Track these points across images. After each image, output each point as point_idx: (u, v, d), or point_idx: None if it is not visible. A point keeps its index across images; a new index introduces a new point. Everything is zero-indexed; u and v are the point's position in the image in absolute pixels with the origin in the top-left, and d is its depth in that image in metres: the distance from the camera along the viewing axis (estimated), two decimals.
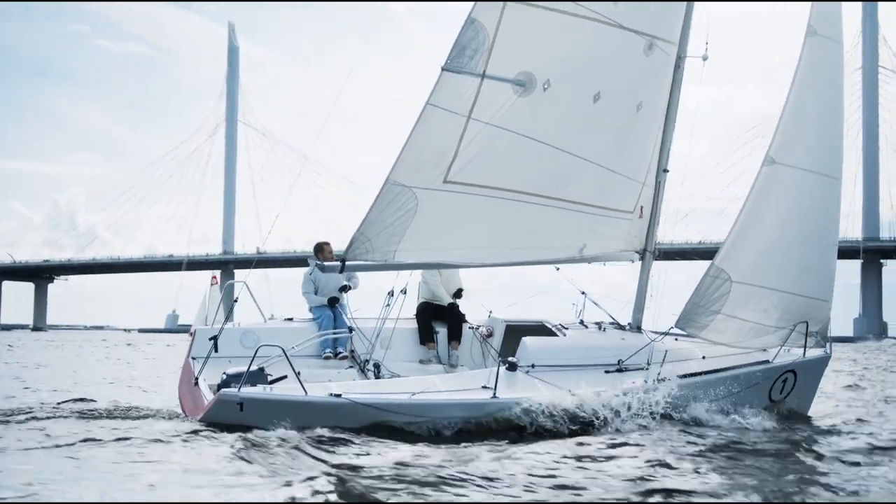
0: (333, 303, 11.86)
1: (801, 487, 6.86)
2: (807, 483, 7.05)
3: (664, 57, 11.05)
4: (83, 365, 21.58)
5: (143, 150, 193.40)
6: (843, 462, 8.21)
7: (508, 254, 10.79)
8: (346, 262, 10.00)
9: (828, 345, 12.65)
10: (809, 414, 12.33)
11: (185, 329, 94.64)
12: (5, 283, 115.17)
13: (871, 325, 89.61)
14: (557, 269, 11.78)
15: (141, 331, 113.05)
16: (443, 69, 9.70)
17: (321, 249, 11.97)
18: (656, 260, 12.19)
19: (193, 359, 10.99)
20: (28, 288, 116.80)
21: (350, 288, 11.96)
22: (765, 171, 11.99)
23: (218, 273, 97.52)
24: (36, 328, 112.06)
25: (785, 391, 12.09)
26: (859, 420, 11.95)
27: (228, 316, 11.69)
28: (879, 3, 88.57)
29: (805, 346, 12.14)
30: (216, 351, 10.78)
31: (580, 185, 10.90)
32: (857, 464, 8.10)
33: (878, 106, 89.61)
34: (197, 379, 10.45)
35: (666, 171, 11.87)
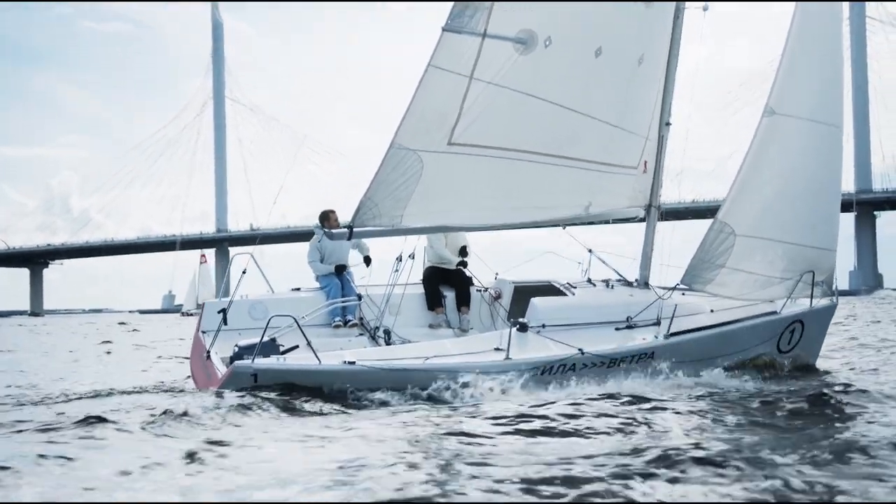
0: (340, 270, 11.80)
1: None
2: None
3: (664, 8, 10.97)
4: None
5: (133, 130, 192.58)
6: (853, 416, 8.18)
7: (515, 214, 10.76)
8: (354, 229, 9.97)
9: (834, 294, 12.66)
10: (817, 365, 12.38)
11: (178, 309, 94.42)
12: (1, 270, 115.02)
13: (866, 278, 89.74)
14: (564, 228, 11.73)
15: (141, 312, 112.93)
16: (443, 29, 9.63)
17: (327, 217, 11.88)
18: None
19: (203, 332, 10.96)
20: (24, 274, 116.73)
21: (371, 260, 11.92)
22: (765, 122, 11.88)
23: (209, 252, 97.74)
24: (33, 314, 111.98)
25: (793, 342, 12.11)
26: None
27: (227, 290, 11.65)
28: None
29: (812, 296, 12.14)
30: (225, 324, 10.78)
31: (584, 142, 10.85)
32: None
33: (866, 57, 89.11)
34: (209, 352, 10.44)
35: (668, 124, 11.79)
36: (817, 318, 12.35)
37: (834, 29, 12.16)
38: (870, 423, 7.67)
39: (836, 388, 9.90)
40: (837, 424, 7.84)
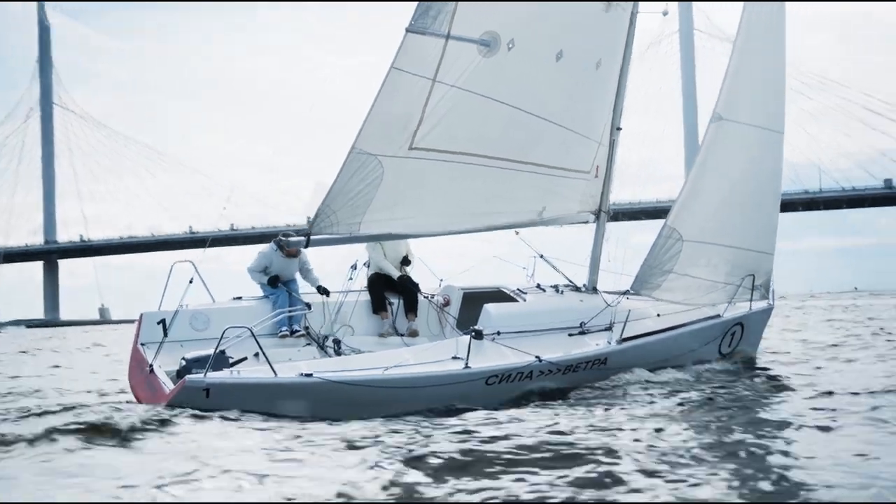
0: (274, 283, 11.31)
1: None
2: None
3: (621, 14, 10.86)
4: None
5: None
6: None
7: (471, 220, 10.52)
8: (311, 237, 9.56)
9: (771, 296, 12.88)
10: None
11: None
12: None
13: None
14: (517, 233, 11.54)
15: None
16: (407, 30, 9.28)
17: (287, 244, 11.30)
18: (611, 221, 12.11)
19: (142, 345, 10.37)
20: None
21: (327, 291, 11.47)
22: (712, 127, 12.07)
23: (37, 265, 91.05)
24: None
25: (733, 344, 12.30)
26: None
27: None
28: None
29: (752, 299, 12.32)
30: (165, 335, 10.24)
31: (542, 147, 10.68)
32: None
33: (694, 69, 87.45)
34: (151, 366, 9.88)
35: (619, 128, 11.70)
36: (756, 320, 12.58)
37: (777, 36, 12.30)
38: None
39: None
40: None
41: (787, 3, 12.28)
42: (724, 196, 12.17)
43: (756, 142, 12.18)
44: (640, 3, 11.12)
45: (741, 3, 11.99)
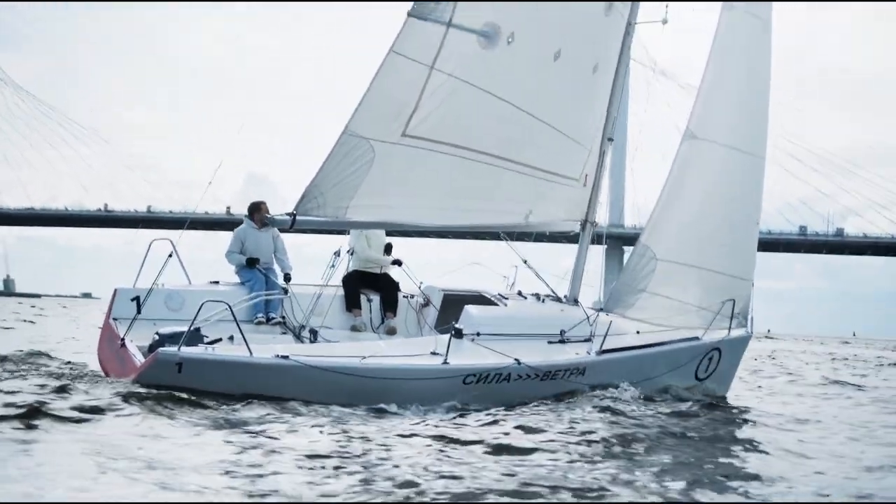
0: (252, 263, 11.06)
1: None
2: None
3: (620, 19, 10.85)
4: None
5: None
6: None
7: (459, 216, 10.40)
8: (297, 217, 9.38)
9: (749, 324, 12.74)
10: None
11: None
12: None
13: None
14: (501, 237, 11.42)
15: None
16: (409, 15, 9.20)
17: (257, 209, 11.08)
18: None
19: (115, 319, 10.13)
20: None
21: (290, 278, 11.27)
22: (685, 145, 11.87)
23: None
24: None
25: (710, 369, 12.12)
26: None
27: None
28: None
29: (730, 326, 12.17)
30: (139, 313, 10.01)
31: (533, 147, 10.58)
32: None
33: (628, 98, 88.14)
34: (123, 340, 9.63)
35: (610, 139, 11.61)
36: (733, 347, 12.40)
37: (760, 57, 12.18)
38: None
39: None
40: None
41: (771, 21, 12.13)
42: (696, 217, 11.97)
43: (732, 163, 11.99)
44: (640, 14, 11.09)
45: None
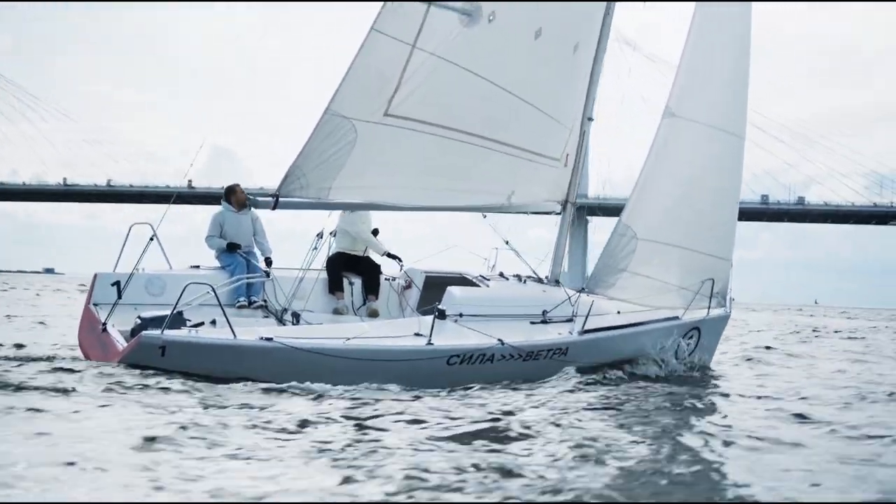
0: (234, 248, 11.02)
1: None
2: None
3: None
4: None
5: None
6: None
7: (441, 196, 10.33)
8: (280, 198, 9.30)
9: (728, 304, 12.79)
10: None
11: None
12: None
13: (574, 280, 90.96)
14: (484, 216, 11.39)
15: None
16: None
17: (232, 192, 11.05)
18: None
19: (95, 305, 10.03)
20: None
21: (271, 262, 11.22)
22: (665, 123, 11.79)
23: None
24: None
25: (689, 348, 12.16)
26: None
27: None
28: None
29: (710, 305, 12.21)
30: (119, 298, 9.93)
31: (515, 127, 10.54)
32: None
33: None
34: (105, 324, 9.54)
35: (591, 119, 11.58)
36: (713, 326, 12.46)
37: (740, 37, 12.14)
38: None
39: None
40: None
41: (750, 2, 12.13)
42: (676, 196, 11.92)
43: (712, 143, 11.93)
44: None
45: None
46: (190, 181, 70.20)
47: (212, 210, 11.37)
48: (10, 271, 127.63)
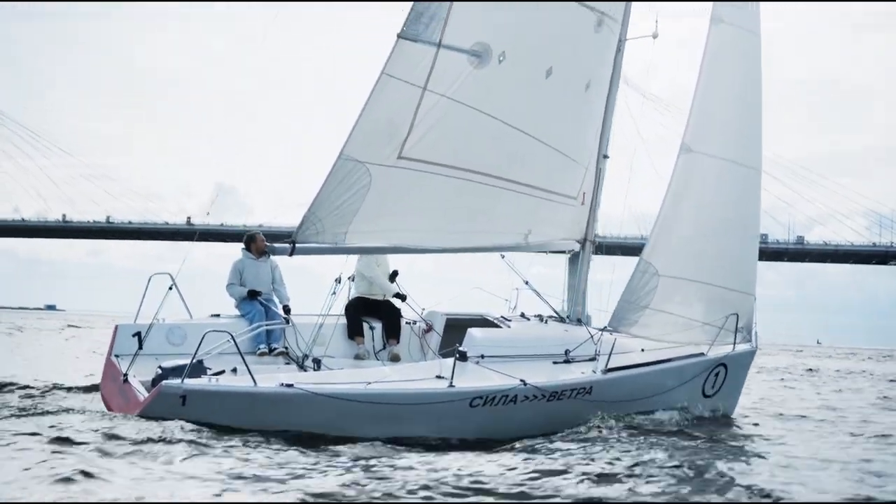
0: (254, 295, 11.05)
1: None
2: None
3: (611, 35, 10.86)
4: None
5: None
6: None
7: (458, 238, 10.34)
8: (297, 245, 9.34)
9: (754, 338, 12.63)
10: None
11: None
12: None
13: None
14: (503, 256, 11.37)
15: None
16: (399, 36, 9.22)
17: (253, 240, 11.13)
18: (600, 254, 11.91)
19: (117, 356, 10.06)
20: None
21: (289, 310, 11.28)
22: (682, 159, 11.78)
23: None
24: None
25: (717, 385, 12.00)
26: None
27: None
28: None
29: (735, 341, 12.06)
30: (140, 348, 9.97)
31: (529, 166, 10.55)
32: None
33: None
34: (126, 375, 9.56)
35: (606, 157, 11.59)
36: (739, 362, 12.28)
37: (751, 70, 12.17)
38: None
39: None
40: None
41: (760, 30, 12.12)
42: (695, 232, 11.90)
43: (729, 177, 11.94)
44: (629, 31, 11.10)
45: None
46: (189, 217, 70.89)
47: (211, 248, 11.45)
48: (11, 307, 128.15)
